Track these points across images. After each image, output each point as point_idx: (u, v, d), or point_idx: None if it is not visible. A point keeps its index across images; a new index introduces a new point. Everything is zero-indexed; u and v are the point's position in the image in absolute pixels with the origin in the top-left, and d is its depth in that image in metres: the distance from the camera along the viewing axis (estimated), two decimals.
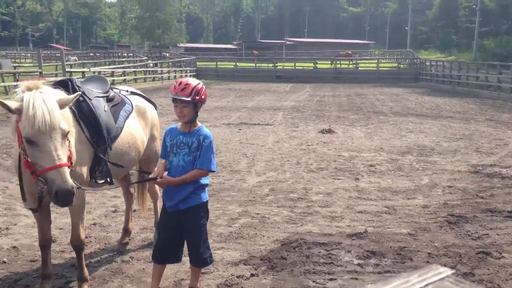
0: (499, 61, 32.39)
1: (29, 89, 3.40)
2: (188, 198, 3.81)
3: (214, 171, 3.87)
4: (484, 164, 9.46)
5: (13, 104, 3.30)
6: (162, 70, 38.34)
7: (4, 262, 4.78)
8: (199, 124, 3.90)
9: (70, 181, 3.25)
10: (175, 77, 38.50)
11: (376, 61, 46.55)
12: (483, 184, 7.94)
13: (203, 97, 3.79)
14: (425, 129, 14.39)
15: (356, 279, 4.48)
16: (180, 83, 3.76)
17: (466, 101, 23.60)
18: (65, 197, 3.24)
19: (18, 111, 3.30)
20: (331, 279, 4.48)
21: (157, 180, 3.81)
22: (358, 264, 4.80)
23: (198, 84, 3.80)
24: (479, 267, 4.69)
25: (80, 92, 3.97)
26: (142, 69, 36.04)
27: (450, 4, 60.55)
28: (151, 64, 38.86)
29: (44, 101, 3.32)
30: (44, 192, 3.35)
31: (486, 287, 4.25)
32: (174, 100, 3.75)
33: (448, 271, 0.76)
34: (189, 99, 3.70)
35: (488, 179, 8.24)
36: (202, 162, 3.77)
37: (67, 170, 3.27)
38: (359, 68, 44.18)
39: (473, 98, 25.28)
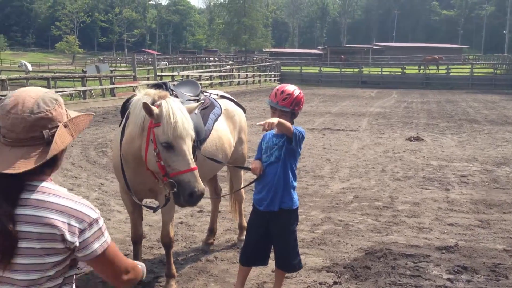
0: None
1: (161, 97, 3.58)
2: (280, 198, 3.80)
3: (299, 134, 3.69)
4: None
5: (154, 109, 3.44)
6: (247, 75, 39.04)
7: None
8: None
9: (201, 183, 3.43)
10: (259, 81, 39.08)
11: (469, 66, 44.16)
12: None
13: (301, 106, 3.80)
14: None
15: None
16: (282, 92, 3.74)
17: None
18: (198, 198, 3.41)
19: (158, 117, 3.46)
20: None
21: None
22: (448, 279, 4.56)
23: (299, 93, 3.78)
24: None
25: (202, 101, 4.20)
26: (226, 73, 36.93)
27: None
28: (228, 66, 39.62)
29: (180, 109, 3.52)
30: (171, 194, 3.50)
31: None
32: (273, 107, 3.77)
33: None
34: (289, 109, 3.71)
35: None
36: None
37: (197, 173, 3.44)
38: (451, 74, 42.15)
39: None
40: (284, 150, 3.78)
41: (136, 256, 4.31)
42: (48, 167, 1.74)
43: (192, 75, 29.92)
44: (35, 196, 1.67)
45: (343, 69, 46.60)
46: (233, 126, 5.09)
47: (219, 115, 4.82)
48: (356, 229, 6.00)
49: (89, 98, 21.61)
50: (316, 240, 5.57)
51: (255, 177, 3.93)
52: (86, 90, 21.48)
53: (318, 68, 46.51)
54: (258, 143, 4.07)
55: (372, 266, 4.84)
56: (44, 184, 1.71)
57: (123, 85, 23.96)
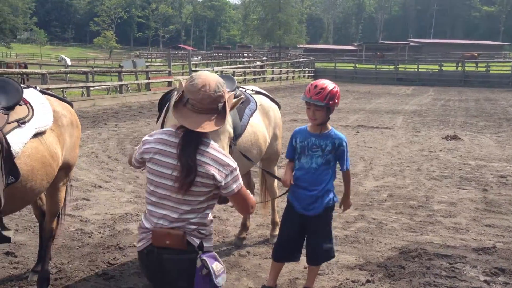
0: None
1: None
2: (318, 202, 3.82)
3: (348, 169, 3.96)
4: None
5: None
6: (280, 71, 38.96)
7: (135, 246, 5.19)
8: (329, 126, 3.87)
9: None
10: (293, 77, 38.95)
11: (510, 64, 42.79)
12: None
13: (336, 101, 3.73)
14: None
15: None
16: (316, 86, 3.70)
17: None
18: None
19: None
20: None
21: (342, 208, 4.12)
22: (485, 281, 4.47)
23: (334, 87, 3.72)
24: None
25: (243, 96, 4.21)
26: (260, 69, 36.94)
27: None
28: (258, 63, 39.56)
29: None
30: None
31: None
32: (308, 102, 3.74)
33: None
34: (323, 104, 3.66)
35: None
36: (344, 164, 3.86)
37: None
38: (490, 72, 40.95)
39: None
40: (330, 157, 3.82)
41: None
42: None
43: (226, 71, 30.07)
44: (203, 148, 2.50)
45: (378, 66, 45.92)
46: (268, 122, 5.10)
47: (254, 111, 4.83)
48: (390, 228, 5.94)
49: (125, 93, 22.02)
50: (349, 238, 5.54)
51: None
52: (122, 85, 21.89)
53: (353, 65, 45.98)
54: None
55: (406, 266, 4.78)
56: (208, 140, 2.54)
57: (158, 80, 24.30)
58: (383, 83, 38.61)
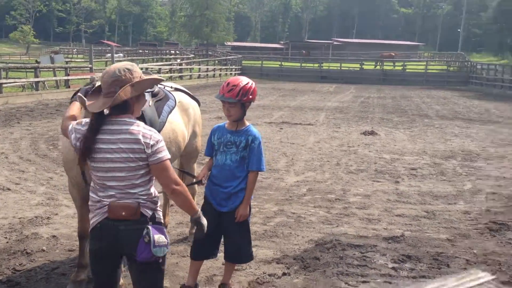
0: None
1: None
2: (232, 199, 3.83)
3: (263, 171, 3.90)
4: None
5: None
6: (207, 68, 38.82)
7: (43, 250, 4.97)
8: (247, 123, 3.88)
9: None
10: (220, 75, 38.94)
11: (424, 63, 45.41)
12: None
13: (251, 96, 3.74)
14: (472, 133, 13.96)
15: (390, 282, 4.41)
16: (228, 83, 3.72)
17: None
18: None
19: None
20: (364, 282, 4.43)
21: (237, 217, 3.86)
22: (393, 268, 4.72)
23: (247, 83, 3.73)
24: None
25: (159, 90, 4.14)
26: (188, 66, 36.60)
27: (507, 7, 58.16)
28: (178, 60, 39.14)
29: None
30: None
31: None
32: (222, 101, 3.75)
33: (488, 276, 0.73)
34: (235, 100, 3.67)
35: None
36: (253, 163, 3.79)
37: None
38: (407, 70, 43.22)
39: None
40: (245, 153, 3.80)
41: (82, 252, 4.23)
42: (122, 109, 2.77)
43: (152, 68, 29.50)
44: (110, 126, 2.75)
45: (303, 64, 47.01)
46: (188, 119, 5.06)
47: (173, 108, 4.76)
48: (308, 221, 6.11)
49: (42, 90, 20.97)
50: (268, 233, 5.64)
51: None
52: (38, 82, 20.83)
53: (279, 63, 46.73)
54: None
55: (321, 257, 4.94)
56: (125, 119, 2.78)
57: (78, 77, 23.37)
58: (308, 80, 39.56)
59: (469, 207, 6.80)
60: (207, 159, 4.06)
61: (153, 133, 2.80)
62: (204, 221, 3.06)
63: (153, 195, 2.88)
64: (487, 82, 34.54)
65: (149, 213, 2.83)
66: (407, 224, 6.07)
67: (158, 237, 2.74)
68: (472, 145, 11.95)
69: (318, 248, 5.20)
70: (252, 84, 3.80)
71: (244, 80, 3.76)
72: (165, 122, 4.54)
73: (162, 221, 2.95)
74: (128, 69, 2.78)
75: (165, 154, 2.80)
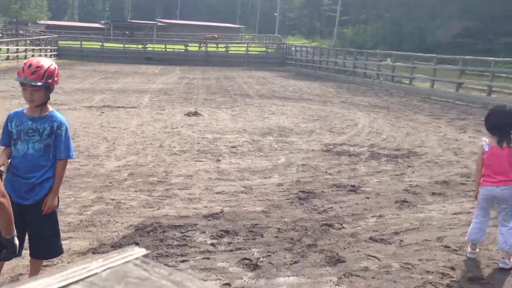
0: (355, 48, 34.99)
1: None
2: (36, 190, 3.55)
3: (73, 158, 3.69)
4: (335, 143, 10.19)
5: None
6: (18, 49, 35.16)
7: None
8: (50, 108, 3.60)
9: None
10: (33, 55, 35.56)
11: (245, 45, 47.49)
12: (332, 161, 8.55)
13: (56, 79, 3.50)
14: (287, 111, 15.08)
15: (208, 258, 4.55)
16: (30, 65, 3.39)
17: (325, 85, 25.18)
18: None
19: None
20: (183, 261, 4.49)
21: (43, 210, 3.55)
22: (212, 244, 4.87)
23: (51, 65, 3.48)
24: (322, 238, 5.05)
25: None
26: None
27: None
28: None
29: None
30: None
31: (326, 256, 4.58)
32: (23, 83, 3.40)
33: (140, 253, 0.73)
34: (40, 83, 3.37)
35: (337, 157, 8.89)
36: (61, 151, 3.56)
37: None
38: (229, 52, 44.74)
39: (331, 82, 27.07)
40: (50, 141, 3.54)
41: None
42: None
43: None
44: None
45: (126, 45, 45.44)
46: None
47: None
48: (128, 206, 5.96)
49: None
50: (84, 223, 5.36)
51: None
52: None
53: (100, 44, 44.44)
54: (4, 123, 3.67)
55: (141, 241, 4.87)
56: None
57: None
58: (132, 62, 38.41)
59: (282, 180, 7.34)
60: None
61: None
62: (17, 242, 2.82)
63: None
64: (301, 63, 37.58)
65: None
66: (226, 200, 6.32)
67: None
68: (286, 122, 12.91)
69: (138, 232, 5.12)
70: (55, 66, 3.58)
71: (47, 62, 3.52)
72: None
73: None
74: None
75: None
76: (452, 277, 4.24)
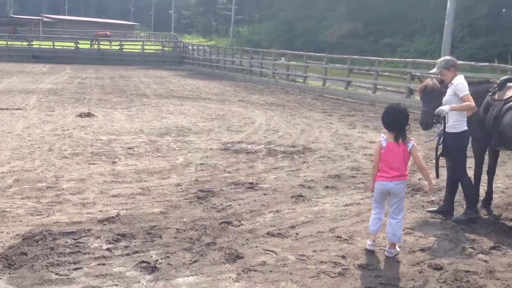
0: (251, 47, 35.66)
1: None
2: None
3: None
4: (233, 141, 10.31)
5: None
6: None
7: None
8: None
9: None
10: None
11: (141, 43, 46.33)
12: (230, 159, 8.64)
13: None
14: (185, 110, 14.97)
15: (104, 264, 4.38)
16: None
17: (223, 84, 25.39)
18: None
19: None
20: (76, 269, 4.27)
21: None
22: (107, 249, 4.69)
23: None
24: (221, 236, 5.08)
25: None
26: None
27: None
28: None
29: None
30: None
31: (225, 253, 4.62)
32: None
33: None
34: None
35: (235, 155, 9.00)
36: None
37: None
38: (124, 50, 43.37)
39: (229, 81, 27.36)
40: None
41: None
42: None
43: None
44: None
45: (10, 42, 42.20)
46: None
47: None
48: (14, 215, 5.55)
49: None
50: None
51: None
52: None
53: None
54: None
55: (29, 251, 4.57)
56: None
57: None
58: (17, 60, 35.89)
59: (180, 180, 7.27)
60: None
61: None
62: None
63: None
64: (199, 62, 37.47)
65: None
66: (122, 203, 6.12)
67: None
68: (184, 121, 12.81)
69: (26, 242, 4.79)
70: None
71: None
72: None
73: None
74: None
75: None
76: (344, 265, 4.48)
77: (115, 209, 5.88)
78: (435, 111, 5.65)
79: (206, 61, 36.26)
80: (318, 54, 27.26)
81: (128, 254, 4.59)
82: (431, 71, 6.33)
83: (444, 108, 5.53)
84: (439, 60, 6.02)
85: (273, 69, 27.08)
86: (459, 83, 5.61)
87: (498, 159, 6.66)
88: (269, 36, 53.34)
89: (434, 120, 6.03)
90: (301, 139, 10.78)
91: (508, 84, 5.95)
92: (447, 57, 5.96)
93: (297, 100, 19.08)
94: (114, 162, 8.17)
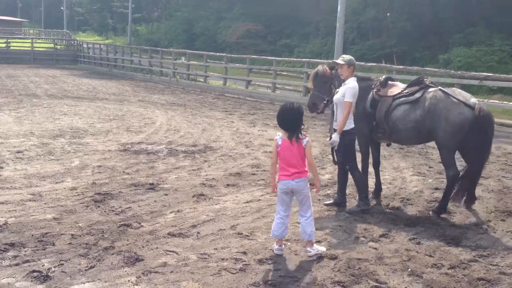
0: (150, 46, 34.94)
1: None
2: None
3: None
4: (133, 142, 10.04)
5: None
6: None
7: None
8: None
9: None
10: None
11: (30, 40, 43.42)
12: (130, 161, 8.41)
13: None
14: (81, 111, 14.31)
15: None
16: None
17: (122, 84, 24.62)
18: None
19: None
20: None
21: None
22: None
23: None
24: (120, 239, 4.93)
25: None
26: None
27: None
28: None
29: None
30: None
31: (124, 257, 4.49)
32: None
33: None
34: None
35: (135, 156, 8.78)
36: None
37: None
38: (12, 48, 40.39)
39: (128, 81, 26.60)
40: None
41: None
42: None
43: None
44: None
45: None
46: None
47: None
48: None
49: None
50: None
51: None
52: None
53: None
54: None
55: None
56: None
57: None
58: None
59: (76, 183, 6.94)
60: None
61: None
62: None
63: None
64: (95, 61, 35.96)
65: None
66: (11, 210, 5.71)
67: None
68: (80, 122, 12.24)
69: None
70: None
71: None
72: None
73: None
74: None
75: None
76: (245, 261, 4.56)
77: (2, 217, 5.47)
78: (329, 142, 6.21)
79: (103, 60, 34.90)
80: (218, 54, 27.38)
81: (17, 264, 4.30)
82: (336, 60, 6.61)
83: (335, 138, 5.99)
84: (346, 55, 6.32)
85: (174, 68, 26.75)
86: (350, 87, 5.95)
87: (381, 152, 7.16)
88: (168, 35, 52.53)
89: (324, 103, 6.46)
90: (203, 138, 10.77)
91: (389, 82, 6.49)
92: (352, 57, 6.27)
93: (198, 100, 19.03)
94: (1, 168, 7.59)
